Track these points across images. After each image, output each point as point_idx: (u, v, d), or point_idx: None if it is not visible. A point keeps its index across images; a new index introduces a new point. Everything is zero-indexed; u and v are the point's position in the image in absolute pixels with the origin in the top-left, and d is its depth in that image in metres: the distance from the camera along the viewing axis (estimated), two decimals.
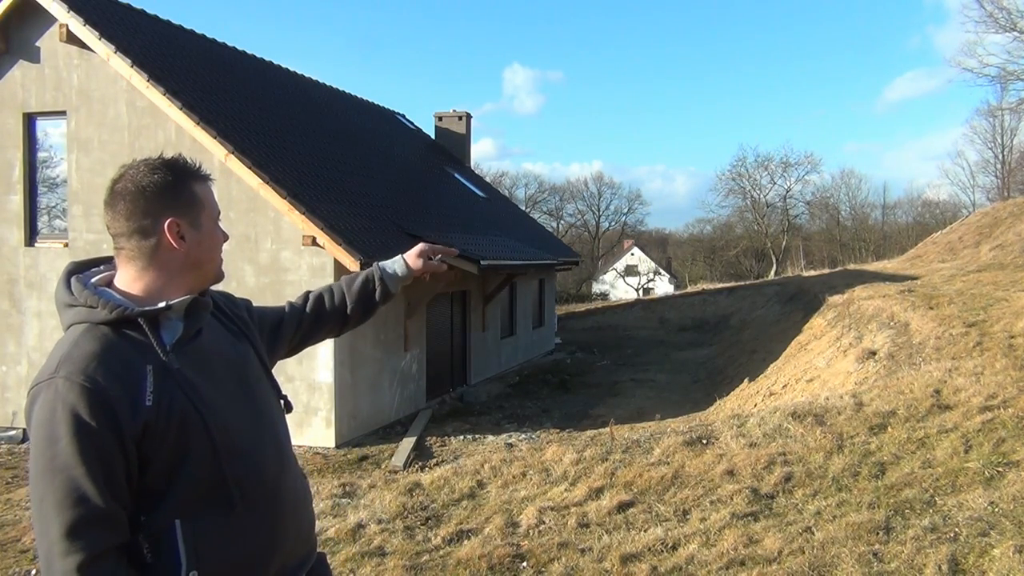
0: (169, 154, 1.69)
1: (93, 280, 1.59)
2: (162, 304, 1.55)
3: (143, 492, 1.46)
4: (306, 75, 16.70)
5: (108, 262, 1.66)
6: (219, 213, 1.70)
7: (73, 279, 1.57)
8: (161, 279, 1.58)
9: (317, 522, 4.92)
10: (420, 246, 2.19)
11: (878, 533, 3.89)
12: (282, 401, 1.79)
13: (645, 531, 4.26)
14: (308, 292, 2.11)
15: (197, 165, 1.66)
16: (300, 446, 9.54)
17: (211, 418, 1.52)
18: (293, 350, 2.07)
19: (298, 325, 2.04)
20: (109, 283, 1.59)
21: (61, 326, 1.57)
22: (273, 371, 1.85)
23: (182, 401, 1.49)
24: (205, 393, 1.54)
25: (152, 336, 1.51)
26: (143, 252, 1.56)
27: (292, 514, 1.68)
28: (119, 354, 1.47)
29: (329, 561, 4.19)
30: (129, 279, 1.58)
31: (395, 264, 2.15)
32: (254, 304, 1.94)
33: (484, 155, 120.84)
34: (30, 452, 1.43)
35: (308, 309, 2.07)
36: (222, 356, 1.66)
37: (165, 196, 1.57)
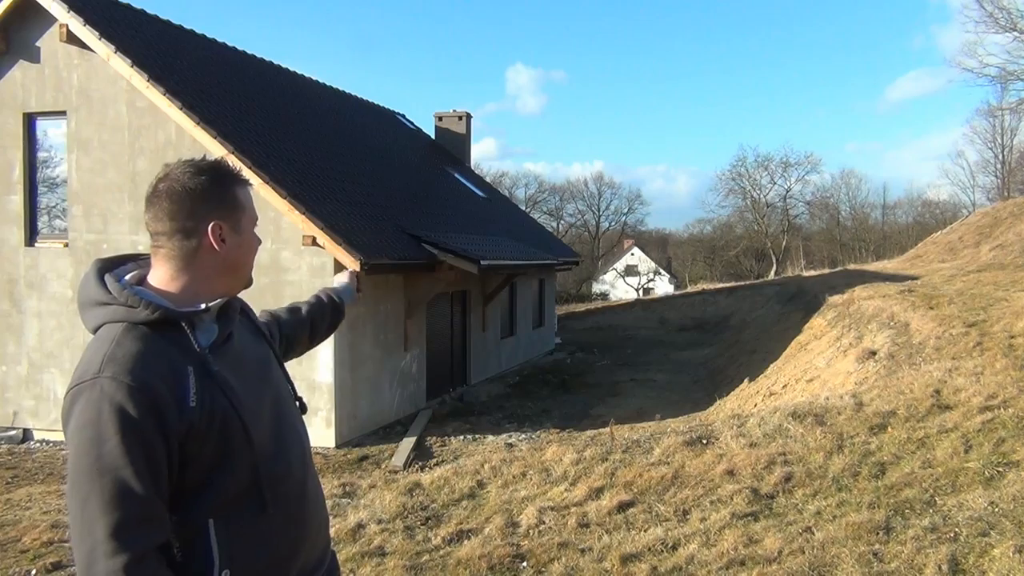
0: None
1: (126, 278, 1.59)
2: (202, 306, 1.56)
3: (178, 492, 1.47)
4: (306, 75, 16.72)
5: (134, 260, 1.66)
6: (257, 219, 1.72)
7: (107, 277, 1.56)
8: (198, 280, 1.58)
9: None
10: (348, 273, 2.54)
11: (878, 533, 3.89)
12: (298, 402, 1.81)
13: (645, 531, 4.26)
14: (279, 309, 2.20)
15: (238, 170, 1.68)
16: (309, 442, 9.51)
17: (248, 420, 1.54)
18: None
19: (288, 335, 2.12)
20: (141, 282, 1.59)
21: (85, 325, 1.56)
22: None
23: (223, 403, 1.51)
24: (242, 395, 1.56)
25: (193, 338, 1.52)
26: (183, 252, 1.56)
27: (315, 514, 1.72)
28: (163, 355, 1.47)
29: None
30: (166, 278, 1.58)
31: (341, 285, 2.47)
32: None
33: (486, 155, 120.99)
34: (71, 453, 1.41)
35: (295, 320, 2.17)
36: (251, 359, 1.69)
37: (211, 199, 1.58)
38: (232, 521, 1.51)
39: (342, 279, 2.50)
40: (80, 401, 1.41)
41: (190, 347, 1.51)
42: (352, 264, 9.22)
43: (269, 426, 1.62)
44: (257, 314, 2.03)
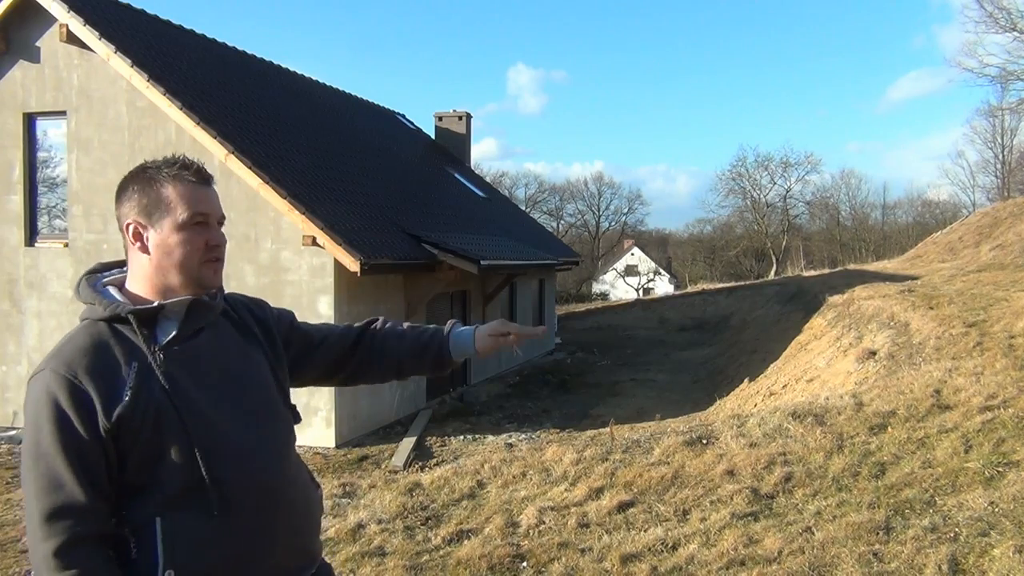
0: (171, 152, 1.72)
1: (104, 280, 1.65)
2: (155, 303, 1.58)
3: (125, 487, 1.50)
4: (306, 75, 16.72)
5: (120, 266, 1.73)
6: (200, 215, 1.62)
7: (84, 280, 1.64)
8: (147, 281, 1.62)
9: None
10: (495, 326, 1.99)
11: (878, 533, 3.89)
12: (292, 410, 1.77)
13: (645, 531, 4.26)
14: (372, 323, 1.99)
15: (176, 163, 1.63)
16: (300, 446, 9.48)
17: (190, 418, 1.52)
18: (325, 380, 1.98)
19: (338, 359, 1.93)
20: (122, 284, 1.65)
21: None
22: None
23: (161, 399, 1.51)
24: (191, 393, 1.54)
25: (141, 334, 1.55)
26: (127, 253, 1.64)
27: (287, 523, 1.64)
28: (105, 349, 1.52)
29: (329, 561, 4.19)
30: (133, 279, 1.64)
31: (465, 337, 1.98)
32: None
33: (487, 155, 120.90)
34: (24, 438, 1.52)
35: (362, 350, 1.94)
36: (220, 358, 1.65)
37: (131, 199, 1.61)
38: (179, 521, 1.49)
39: (479, 329, 1.98)
40: (30, 390, 1.51)
41: (137, 343, 1.54)
42: (352, 264, 9.22)
43: (227, 428, 1.57)
44: (314, 325, 1.94)
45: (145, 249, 1.60)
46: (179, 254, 1.60)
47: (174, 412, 1.51)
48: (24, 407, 1.53)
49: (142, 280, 1.62)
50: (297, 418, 1.78)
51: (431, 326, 2.02)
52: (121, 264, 1.70)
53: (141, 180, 1.63)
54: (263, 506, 1.59)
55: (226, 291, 1.82)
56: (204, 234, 1.63)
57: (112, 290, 1.62)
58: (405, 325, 2.01)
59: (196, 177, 1.64)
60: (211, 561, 1.52)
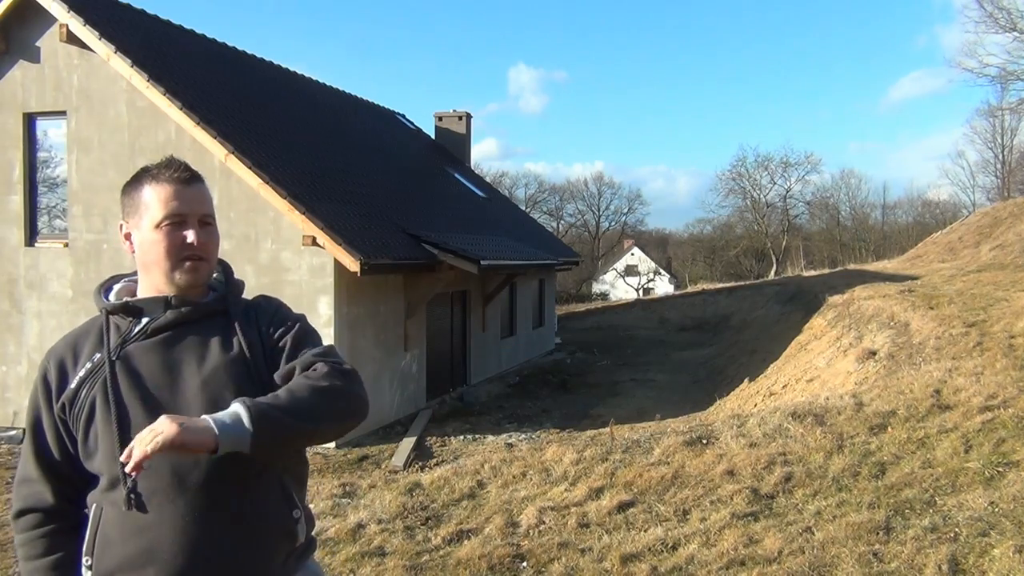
0: (171, 152, 1.76)
1: (118, 285, 1.77)
2: (123, 300, 1.68)
3: (82, 472, 1.59)
4: (307, 75, 16.72)
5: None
6: (172, 215, 1.62)
7: (110, 279, 1.83)
8: (144, 279, 1.71)
9: (318, 522, 4.92)
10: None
11: (878, 533, 3.89)
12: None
13: (645, 531, 4.26)
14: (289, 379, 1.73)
15: (161, 164, 1.67)
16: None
17: (121, 413, 1.55)
18: None
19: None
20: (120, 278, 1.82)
21: None
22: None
23: (99, 391, 1.57)
24: (135, 390, 1.58)
25: (106, 330, 1.64)
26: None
27: (210, 531, 1.52)
28: (79, 340, 1.66)
29: (329, 561, 4.18)
30: (138, 279, 1.76)
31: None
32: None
33: (487, 155, 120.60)
34: None
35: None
36: (178, 357, 1.60)
37: (122, 201, 1.72)
38: (103, 511, 1.56)
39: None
40: None
41: (104, 338, 1.64)
42: (352, 264, 9.22)
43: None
44: (295, 360, 1.65)
45: (132, 249, 1.70)
46: (154, 253, 1.65)
47: (106, 406, 1.56)
48: None
49: (140, 279, 1.73)
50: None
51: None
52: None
53: (131, 183, 1.71)
54: (180, 511, 1.51)
55: (278, 300, 1.81)
56: (180, 233, 1.64)
57: (116, 288, 1.75)
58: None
59: (177, 176, 1.65)
60: (120, 555, 1.53)
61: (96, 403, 1.57)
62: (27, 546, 1.62)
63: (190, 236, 1.64)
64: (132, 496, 1.51)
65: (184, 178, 1.65)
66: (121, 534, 1.54)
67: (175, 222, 1.63)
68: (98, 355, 1.61)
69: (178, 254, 1.63)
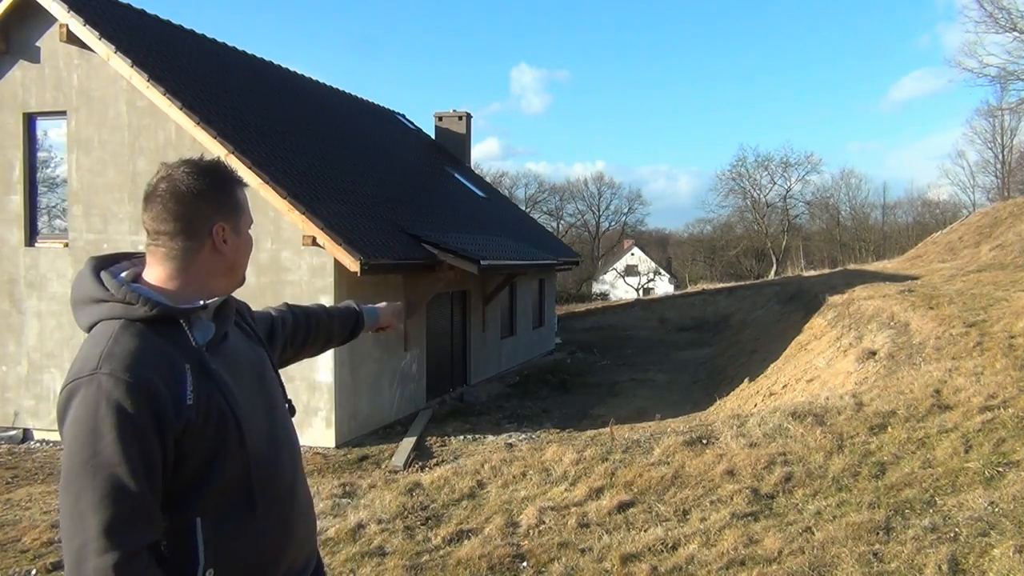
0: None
1: (122, 275, 1.58)
2: (200, 303, 1.57)
3: (170, 490, 1.46)
4: (307, 75, 16.72)
5: (128, 258, 1.66)
6: (252, 221, 1.73)
7: (103, 273, 1.56)
8: (197, 280, 1.59)
9: (317, 522, 4.92)
10: (392, 306, 2.44)
11: (878, 533, 3.89)
12: (287, 405, 1.81)
13: (645, 531, 4.26)
14: (288, 305, 2.17)
15: (236, 171, 1.71)
16: (300, 446, 9.51)
17: (243, 419, 1.54)
18: (283, 362, 2.07)
19: (291, 334, 2.09)
20: (136, 280, 1.58)
21: (78, 323, 1.55)
22: None
23: (219, 401, 1.51)
24: (237, 394, 1.56)
25: (191, 335, 1.54)
26: (184, 252, 1.57)
27: (302, 520, 1.71)
28: (161, 352, 1.47)
29: (329, 561, 4.20)
30: (163, 277, 1.57)
31: (372, 312, 2.37)
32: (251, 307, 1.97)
33: (489, 155, 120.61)
34: (66, 448, 1.41)
35: (299, 321, 2.13)
36: (246, 359, 1.69)
37: (214, 200, 1.60)
38: (220, 520, 1.50)
39: (380, 306, 2.43)
40: (77, 397, 1.41)
41: (187, 344, 1.52)
42: (352, 264, 9.23)
43: (262, 428, 1.61)
44: (261, 310, 2.04)
45: (222, 250, 1.61)
46: (245, 256, 1.68)
47: (232, 415, 1.52)
48: (63, 415, 1.43)
49: (203, 280, 1.60)
50: (292, 411, 1.83)
51: (341, 305, 2.34)
52: (119, 258, 1.65)
53: (222, 180, 1.63)
54: (289, 502, 1.65)
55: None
56: (250, 237, 1.73)
57: (145, 287, 1.57)
58: (313, 305, 2.26)
59: (245, 183, 1.73)
60: (248, 559, 1.54)
61: (221, 413, 1.50)
62: None
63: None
64: (260, 498, 1.55)
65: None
66: (247, 538, 1.54)
67: (250, 226, 1.72)
68: (188, 364, 1.49)
69: None
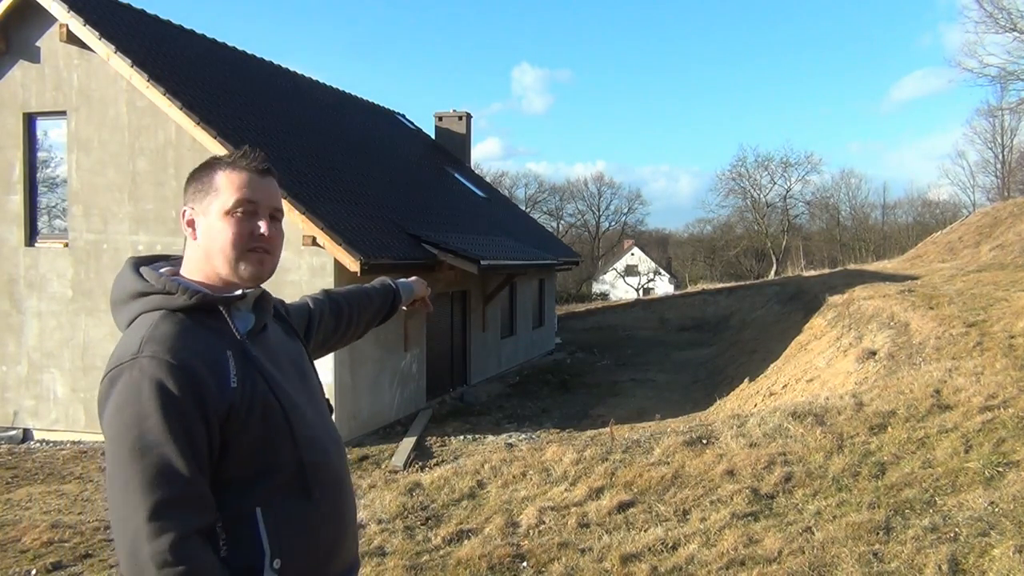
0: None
1: (162, 271, 1.57)
2: (238, 292, 1.56)
3: (222, 479, 1.44)
4: (306, 75, 16.73)
5: (166, 259, 1.66)
6: (241, 201, 1.56)
7: (143, 269, 1.56)
8: (205, 268, 1.57)
9: None
10: (421, 281, 2.43)
11: (878, 533, 3.89)
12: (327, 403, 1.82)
13: (645, 531, 4.26)
14: (327, 292, 2.14)
15: (242, 153, 1.61)
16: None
17: (288, 406, 1.53)
18: (320, 350, 2.07)
19: (331, 325, 2.07)
20: (175, 275, 1.59)
21: (118, 322, 1.54)
22: None
23: (263, 387, 1.49)
24: (282, 384, 1.55)
25: (232, 323, 1.53)
26: (187, 241, 1.60)
27: (353, 511, 1.72)
28: (202, 338, 1.46)
29: None
30: (187, 269, 1.60)
31: (407, 286, 2.35)
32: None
33: (489, 155, 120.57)
34: (110, 437, 1.38)
35: (340, 308, 2.10)
36: (285, 352, 1.67)
37: (190, 184, 1.60)
38: (280, 509, 1.48)
39: (412, 280, 2.42)
40: (119, 382, 1.39)
41: (228, 332, 1.51)
42: (352, 264, 9.23)
43: (308, 414, 1.60)
44: (297, 302, 2.03)
45: (192, 235, 1.59)
46: (221, 240, 1.55)
47: (276, 401, 1.50)
48: (104, 402, 1.41)
49: (195, 269, 1.58)
50: (330, 409, 1.82)
51: (376, 283, 2.29)
52: (158, 259, 1.66)
53: (202, 168, 1.61)
54: (339, 492, 1.64)
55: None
56: (251, 223, 1.58)
57: (181, 277, 1.57)
58: (349, 287, 2.21)
59: (254, 166, 1.60)
60: (311, 546, 1.53)
61: (266, 400, 1.49)
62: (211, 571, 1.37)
63: (262, 227, 1.59)
64: (315, 486, 1.53)
65: (261, 168, 1.61)
66: (308, 525, 1.52)
67: (248, 211, 1.57)
68: (230, 352, 1.48)
69: (246, 244, 1.56)
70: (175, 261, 1.65)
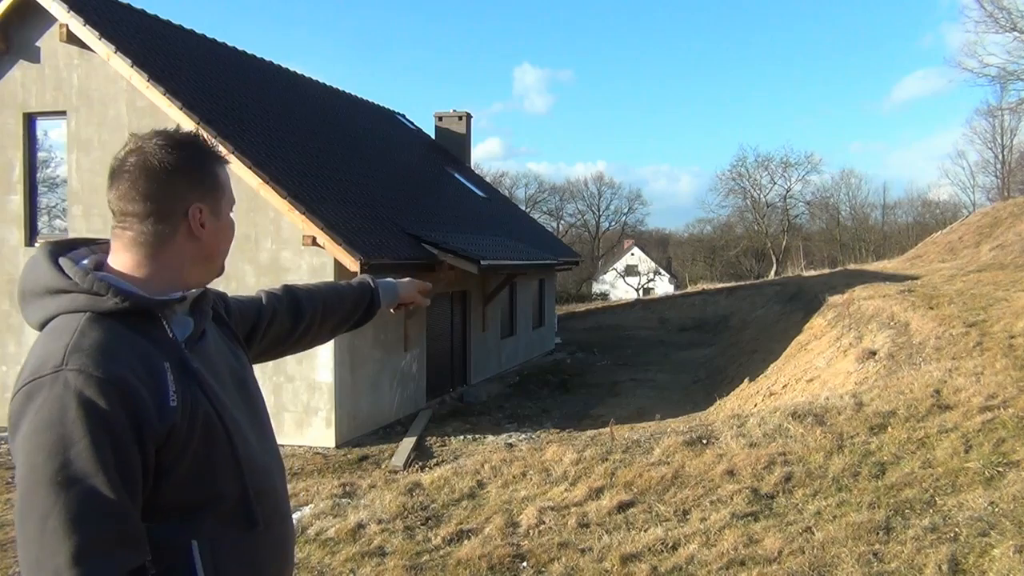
0: (184, 129, 1.46)
1: (84, 263, 1.36)
2: (178, 295, 1.36)
3: (153, 509, 1.25)
4: (307, 75, 16.73)
5: (87, 244, 1.44)
6: (234, 202, 1.52)
7: (62, 260, 1.35)
8: (170, 268, 1.37)
9: (317, 522, 4.93)
10: (415, 283, 2.17)
11: (878, 533, 3.89)
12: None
13: (645, 531, 4.26)
14: (288, 288, 1.89)
15: (216, 145, 1.48)
16: (300, 446, 9.53)
17: (232, 427, 1.36)
18: (268, 354, 1.83)
19: (285, 325, 1.82)
20: (99, 267, 1.36)
21: (28, 318, 1.35)
22: (268, 371, 1.73)
23: (205, 405, 1.32)
24: (222, 398, 1.37)
25: (169, 330, 1.34)
26: (155, 237, 1.35)
27: (293, 535, 1.57)
28: (136, 348, 1.26)
29: (329, 561, 4.23)
30: (131, 265, 1.35)
31: (390, 287, 2.10)
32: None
33: (490, 155, 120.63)
34: (24, 461, 1.17)
35: (299, 307, 1.84)
36: (225, 361, 1.48)
37: (190, 177, 1.38)
38: (220, 543, 1.31)
39: (404, 281, 2.17)
40: (38, 398, 1.18)
41: (166, 340, 1.32)
42: (352, 264, 9.23)
43: (250, 435, 1.43)
44: (248, 297, 1.79)
45: (199, 235, 1.39)
46: (225, 243, 1.45)
47: (219, 421, 1.33)
48: (17, 420, 1.20)
49: (169, 267, 1.37)
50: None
51: (354, 282, 2.05)
52: (76, 243, 1.44)
53: (199, 154, 1.41)
54: (283, 515, 1.50)
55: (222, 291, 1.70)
56: (232, 222, 1.50)
57: (114, 277, 1.34)
58: (319, 284, 1.98)
59: (226, 160, 1.50)
60: None
61: (207, 418, 1.31)
62: None
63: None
64: (260, 514, 1.38)
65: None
66: (248, 558, 1.37)
67: (232, 209, 1.48)
68: (167, 363, 1.28)
69: None
70: (97, 247, 1.43)
